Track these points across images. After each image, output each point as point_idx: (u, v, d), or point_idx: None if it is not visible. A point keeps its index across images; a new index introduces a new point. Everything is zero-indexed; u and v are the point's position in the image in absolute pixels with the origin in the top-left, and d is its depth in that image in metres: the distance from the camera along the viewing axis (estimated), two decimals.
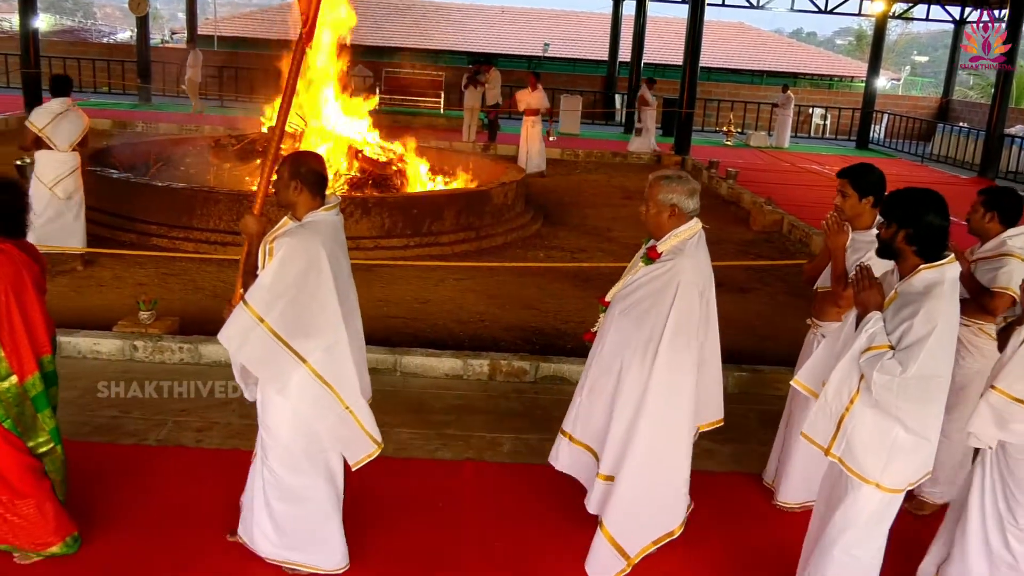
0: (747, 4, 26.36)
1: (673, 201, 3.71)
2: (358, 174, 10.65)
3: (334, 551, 3.79)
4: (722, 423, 4.14)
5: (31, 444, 3.69)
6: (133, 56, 24.01)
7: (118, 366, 5.93)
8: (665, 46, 32.94)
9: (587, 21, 39.36)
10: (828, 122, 27.67)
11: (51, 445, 3.76)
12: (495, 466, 4.90)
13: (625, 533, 3.81)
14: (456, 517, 4.38)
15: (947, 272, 3.32)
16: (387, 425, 5.30)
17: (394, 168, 11.21)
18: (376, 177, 10.72)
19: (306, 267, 3.45)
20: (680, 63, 19.09)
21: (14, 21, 18.67)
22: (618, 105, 26.69)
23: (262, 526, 3.74)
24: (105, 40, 41.80)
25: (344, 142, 11.31)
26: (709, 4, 19.46)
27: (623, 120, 25.20)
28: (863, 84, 26.39)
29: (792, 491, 4.58)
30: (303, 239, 3.47)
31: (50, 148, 7.74)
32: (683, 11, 22.12)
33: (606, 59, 28.76)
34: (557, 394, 5.90)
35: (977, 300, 4.42)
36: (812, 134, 27.52)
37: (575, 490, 4.25)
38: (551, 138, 15.23)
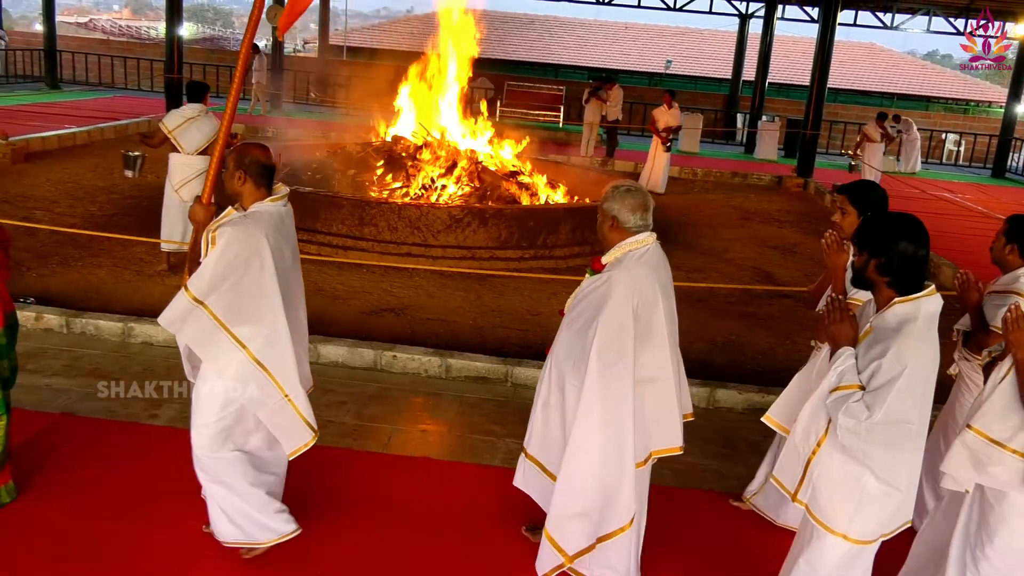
0: (880, 24, 25.54)
1: (613, 212, 3.60)
2: (477, 184, 10.79)
3: (273, 522, 3.82)
4: (680, 451, 3.81)
5: None
6: (267, 64, 25.00)
7: None
8: (791, 65, 32.26)
9: (711, 39, 38.89)
10: (962, 148, 26.48)
11: None
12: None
13: (561, 533, 3.71)
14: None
15: (923, 306, 3.05)
16: (496, 435, 5.38)
17: (513, 180, 11.31)
18: (494, 188, 10.84)
19: (247, 256, 3.52)
20: (806, 83, 18.63)
21: (160, 29, 19.73)
22: (739, 124, 26.24)
23: (211, 511, 3.84)
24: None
25: (465, 153, 11.48)
26: (840, 24, 18.91)
27: (744, 139, 24.75)
28: (1002, 110, 25.13)
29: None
30: (244, 228, 3.55)
31: (178, 151, 8.02)
32: (811, 30, 21.65)
33: (729, 77, 28.34)
34: None
35: (975, 336, 4.13)
36: (944, 160, 26.39)
37: (681, 512, 4.18)
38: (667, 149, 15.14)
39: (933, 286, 3.09)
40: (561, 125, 24.08)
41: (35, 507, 4.15)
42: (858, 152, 17.94)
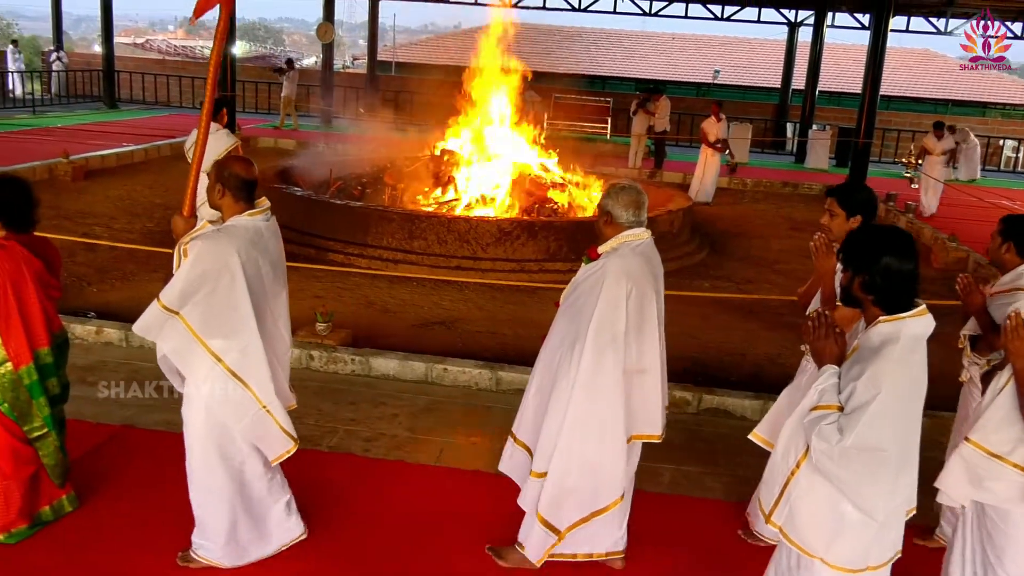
0: (933, 30, 25.10)
1: (608, 208, 3.74)
2: (526, 197, 10.83)
3: (227, 550, 3.85)
4: (659, 439, 3.89)
5: (26, 428, 3.93)
6: (317, 81, 25.37)
7: (295, 374, 6.22)
8: (842, 73, 31.82)
9: (760, 48, 38.57)
10: (1021, 155, 25.86)
11: (44, 431, 3.99)
12: (652, 496, 4.84)
13: (555, 512, 3.81)
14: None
15: (905, 328, 2.84)
16: None
17: (561, 193, 11.33)
18: (543, 201, 10.87)
19: (217, 269, 3.56)
20: (857, 91, 18.36)
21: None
22: (789, 134, 25.95)
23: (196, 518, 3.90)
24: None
25: (514, 166, 11.53)
26: (892, 31, 18.64)
27: (794, 149, 24.47)
28: None
29: None
30: (214, 242, 3.59)
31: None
32: (863, 37, 21.36)
33: (778, 87, 28.07)
34: (720, 427, 5.78)
35: (985, 338, 3.99)
36: (1003, 167, 25.80)
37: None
38: (730, 172, 14.92)
39: (924, 306, 2.90)
40: (609, 137, 24.05)
41: (96, 517, 4.25)
42: (917, 162, 17.61)
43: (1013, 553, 3.23)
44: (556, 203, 10.94)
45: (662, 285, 3.83)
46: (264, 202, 3.83)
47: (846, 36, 31.98)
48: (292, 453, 3.85)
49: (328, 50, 24.43)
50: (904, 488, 2.97)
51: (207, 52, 42.29)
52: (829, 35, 24.77)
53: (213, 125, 8.21)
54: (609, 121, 25.02)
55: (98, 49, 29.94)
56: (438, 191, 11.07)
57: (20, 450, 3.96)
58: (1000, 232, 4.04)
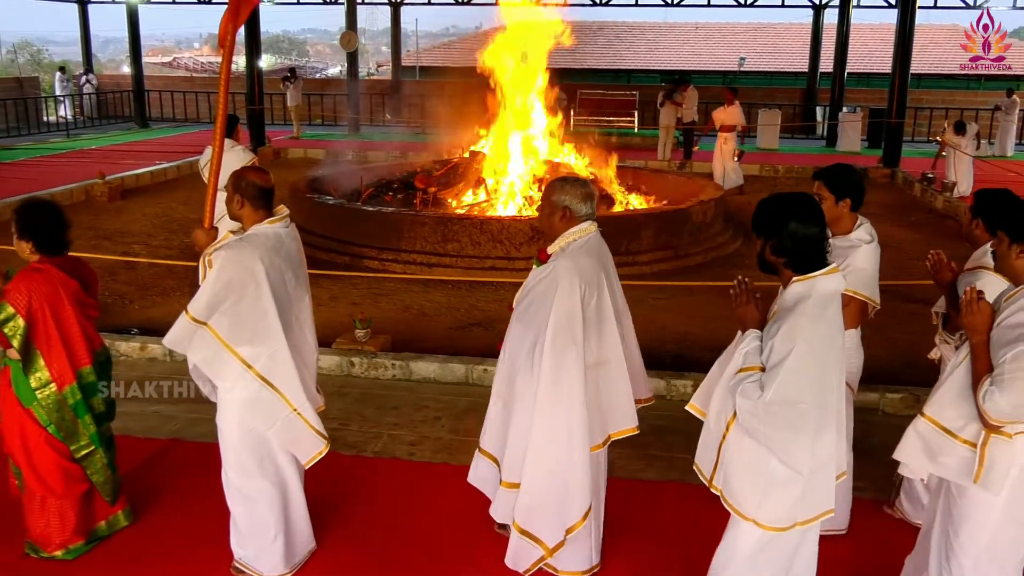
0: (963, 4, 24.71)
1: (565, 203, 3.67)
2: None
3: (274, 556, 3.89)
4: (636, 431, 3.87)
5: (73, 447, 3.99)
6: (343, 89, 25.54)
7: (337, 381, 6.30)
8: (870, 54, 31.47)
9: (785, 33, 38.16)
10: None
11: (91, 448, 4.06)
12: (697, 488, 4.80)
13: (533, 525, 3.77)
14: (665, 537, 4.33)
15: (817, 285, 2.99)
16: None
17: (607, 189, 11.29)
18: None
19: (241, 278, 3.60)
20: (886, 71, 18.11)
21: (239, 63, 20.41)
22: (819, 118, 25.66)
23: (232, 528, 3.92)
24: (317, 76, 44.74)
25: (541, 164, 11.52)
26: (920, 7, 18.35)
27: (824, 133, 24.19)
28: None
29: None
30: (237, 251, 3.64)
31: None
32: (890, 16, 21.07)
33: (805, 71, 27.76)
34: None
35: (951, 317, 3.96)
36: None
37: None
38: (735, 158, 14.78)
39: (834, 265, 3.05)
40: (636, 130, 23.93)
41: (150, 530, 4.32)
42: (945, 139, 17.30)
43: (969, 529, 3.22)
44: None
45: (615, 276, 3.83)
46: (283, 209, 3.90)
47: (873, 16, 31.56)
48: (324, 454, 3.89)
49: (352, 58, 24.56)
50: (826, 446, 3.05)
51: (233, 67, 42.69)
52: (856, 15, 24.47)
53: (228, 142, 8.31)
54: (636, 114, 24.89)
55: (127, 70, 30.37)
56: (469, 193, 11.09)
57: (70, 469, 4.02)
58: (971, 208, 4.04)
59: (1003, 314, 3.11)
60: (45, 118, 25.18)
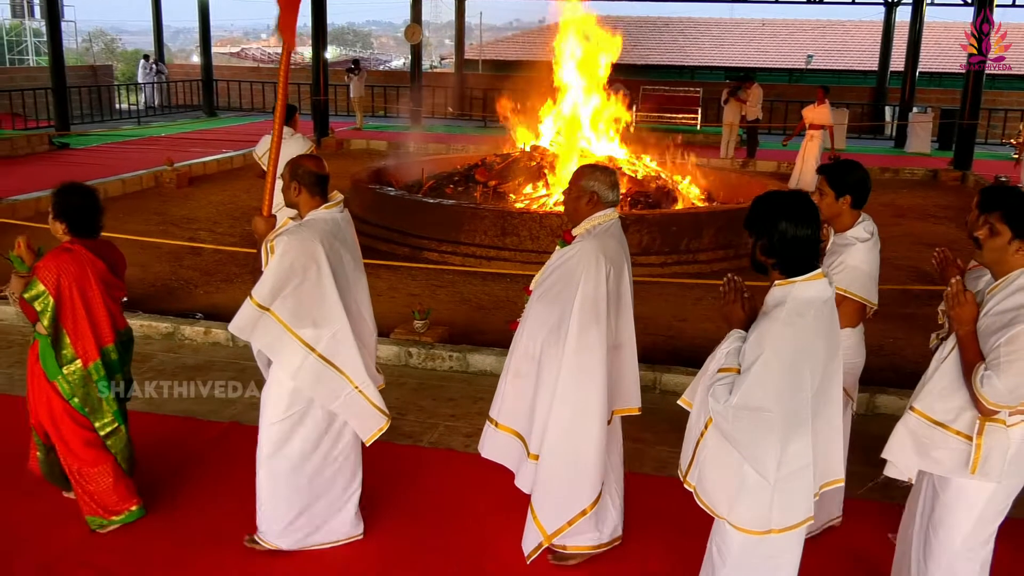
0: None
1: (593, 188, 3.76)
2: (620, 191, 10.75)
3: (294, 535, 3.99)
4: (638, 412, 3.99)
5: (97, 424, 4.10)
6: (406, 81, 25.71)
7: (395, 371, 6.35)
8: (943, 53, 30.60)
9: (854, 30, 37.39)
10: None
11: (115, 425, 4.17)
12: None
13: (545, 510, 3.84)
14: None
15: (794, 290, 2.88)
16: (646, 443, 5.32)
17: (653, 185, 11.21)
18: (636, 195, 10.77)
19: (303, 262, 3.70)
20: (960, 70, 17.60)
21: (305, 54, 20.67)
22: (888, 117, 25.10)
23: (257, 503, 4.01)
24: (381, 67, 45.11)
25: (605, 159, 11.45)
26: (998, 5, 17.79)
27: (893, 133, 23.66)
28: None
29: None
30: (298, 236, 3.73)
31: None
32: (965, 14, 20.48)
33: (875, 69, 27.15)
34: None
35: None
36: None
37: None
38: (828, 159, 14.42)
39: (819, 271, 2.92)
40: (699, 127, 23.69)
41: (208, 508, 4.39)
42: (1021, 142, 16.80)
43: (950, 523, 3.20)
44: (649, 196, 10.81)
45: (630, 264, 3.89)
46: (337, 195, 3.99)
47: (948, 14, 30.67)
48: (385, 430, 3.99)
49: (416, 51, 24.71)
50: (799, 454, 2.94)
51: (299, 58, 43.37)
52: (929, 13, 23.83)
53: (287, 130, 8.43)
54: (699, 111, 24.64)
55: (196, 60, 30.99)
56: (529, 187, 11.08)
57: (93, 441, 4.14)
58: (977, 204, 3.89)
59: (988, 304, 3.11)
60: (117, 105, 25.82)
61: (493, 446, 4.05)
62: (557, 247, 3.87)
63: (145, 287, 8.16)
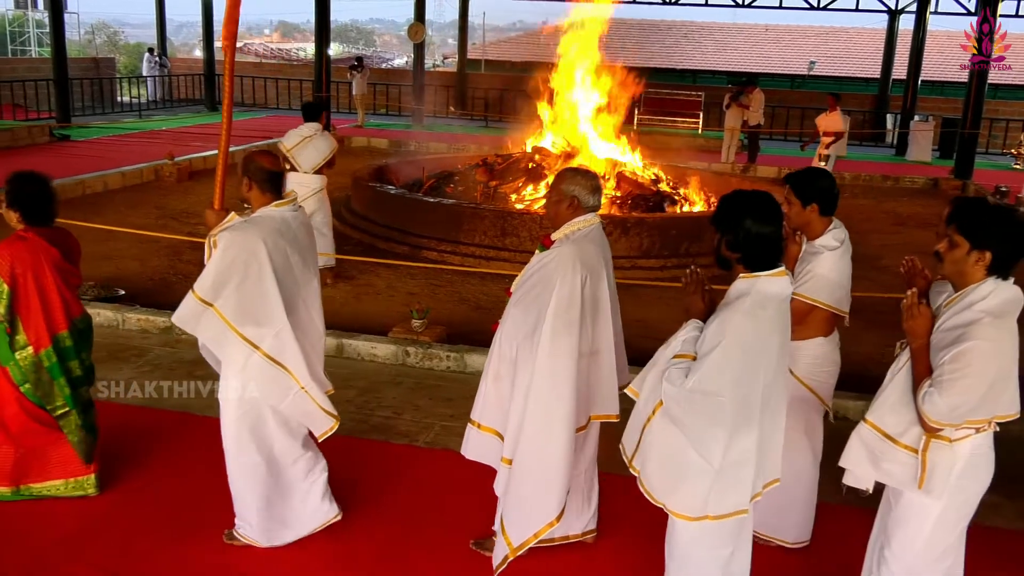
0: None
1: (574, 193, 3.74)
2: (619, 194, 10.74)
3: (262, 529, 3.99)
4: (617, 418, 3.87)
5: (49, 408, 4.16)
6: (408, 80, 25.70)
7: (392, 370, 6.34)
8: (946, 61, 30.64)
9: (857, 37, 37.43)
10: None
11: (66, 409, 4.21)
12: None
13: (512, 522, 3.82)
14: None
15: (758, 284, 3.01)
16: None
17: (654, 189, 11.21)
18: (636, 198, 10.77)
19: (244, 259, 3.68)
20: (962, 79, 17.62)
21: (308, 50, 20.70)
22: (889, 125, 25.10)
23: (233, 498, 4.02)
24: (384, 66, 45.07)
25: (605, 162, 11.45)
26: (1002, 15, 17.80)
27: (894, 141, 23.67)
28: None
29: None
30: (242, 233, 3.74)
31: (295, 170, 8.17)
32: (967, 23, 20.46)
33: (877, 76, 27.16)
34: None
35: None
36: None
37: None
38: (823, 163, 14.44)
39: (783, 268, 3.05)
40: (700, 132, 23.70)
41: (204, 504, 4.39)
42: (1020, 152, 16.84)
43: (901, 536, 3.19)
44: (649, 199, 10.80)
45: (611, 268, 3.89)
46: (291, 194, 4.00)
47: (951, 23, 30.71)
48: (335, 429, 3.97)
49: (419, 50, 24.69)
50: (745, 446, 3.02)
51: (303, 54, 43.32)
52: (932, 21, 23.84)
53: (315, 126, 8.42)
54: (701, 115, 24.64)
55: (199, 54, 30.96)
56: (530, 188, 11.08)
57: (30, 425, 4.17)
58: (948, 216, 3.89)
59: (942, 318, 3.11)
60: (118, 98, 25.78)
61: (477, 446, 4.04)
62: (537, 251, 3.86)
63: (143, 281, 8.13)
